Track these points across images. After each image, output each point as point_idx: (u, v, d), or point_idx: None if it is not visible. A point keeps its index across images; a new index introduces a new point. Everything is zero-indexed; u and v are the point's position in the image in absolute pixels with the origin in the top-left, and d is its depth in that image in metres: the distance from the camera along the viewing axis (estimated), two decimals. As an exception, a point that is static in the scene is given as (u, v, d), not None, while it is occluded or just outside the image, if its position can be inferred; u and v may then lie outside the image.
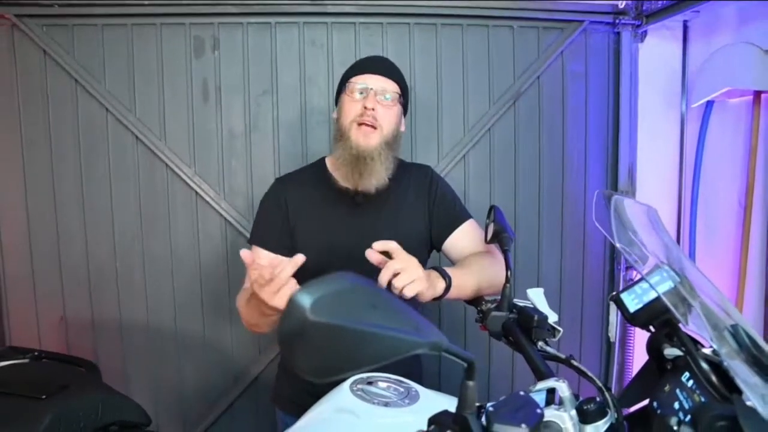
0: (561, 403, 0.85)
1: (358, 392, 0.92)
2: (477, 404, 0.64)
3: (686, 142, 2.24)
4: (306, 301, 0.40)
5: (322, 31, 2.10)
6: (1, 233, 2.00)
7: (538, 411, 0.62)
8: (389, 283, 1.06)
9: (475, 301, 1.28)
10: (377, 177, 1.33)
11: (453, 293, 1.19)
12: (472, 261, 1.30)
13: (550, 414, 0.78)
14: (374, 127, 1.32)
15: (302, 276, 1.37)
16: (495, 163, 2.22)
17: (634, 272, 2.26)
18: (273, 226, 1.38)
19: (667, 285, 0.70)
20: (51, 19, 1.94)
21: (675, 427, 0.66)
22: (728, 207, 2.01)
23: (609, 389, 0.92)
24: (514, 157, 2.23)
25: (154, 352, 2.10)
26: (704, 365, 0.68)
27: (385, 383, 0.96)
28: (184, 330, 2.10)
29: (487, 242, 1.24)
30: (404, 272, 1.04)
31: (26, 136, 1.98)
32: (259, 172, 2.11)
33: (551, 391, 0.87)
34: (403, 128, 1.44)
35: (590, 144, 2.26)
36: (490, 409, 0.62)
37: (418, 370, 1.53)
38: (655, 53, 2.23)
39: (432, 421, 0.62)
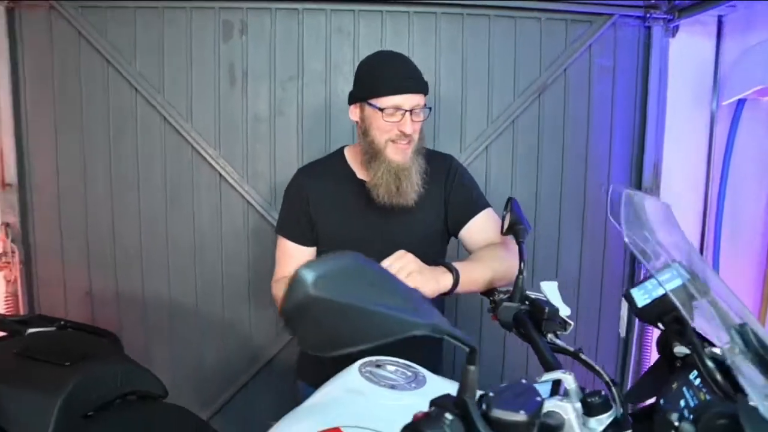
0: (566, 394, 0.86)
1: (367, 374, 0.94)
2: (480, 392, 0.65)
3: (715, 140, 2.18)
4: (309, 276, 0.42)
5: (348, 19, 2.10)
6: (33, 208, 2.08)
7: (538, 399, 0.63)
8: None
9: (490, 292, 1.29)
10: (415, 187, 1.36)
11: (463, 287, 1.20)
12: (485, 253, 1.31)
13: (553, 404, 0.78)
14: (409, 143, 1.34)
15: None
16: (518, 156, 2.21)
17: (655, 271, 2.23)
18: (296, 220, 1.43)
19: (676, 282, 0.70)
20: (86, 1, 1.99)
21: (676, 423, 0.66)
22: (756, 209, 1.96)
23: (616, 383, 0.92)
24: (538, 150, 2.21)
25: (175, 329, 2.16)
26: (710, 363, 0.68)
27: (393, 366, 0.98)
28: (204, 309, 2.16)
29: (502, 233, 1.25)
30: (398, 271, 1.08)
31: (59, 113, 2.04)
32: (282, 157, 2.14)
33: (557, 383, 0.88)
34: None
35: (615, 139, 2.22)
36: (491, 395, 0.63)
37: (437, 356, 1.55)
38: (687, 48, 2.17)
39: (433, 403, 0.64)
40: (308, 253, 1.44)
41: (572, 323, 1.09)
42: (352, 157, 1.45)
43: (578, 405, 0.80)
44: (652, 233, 0.73)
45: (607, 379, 0.92)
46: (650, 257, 0.72)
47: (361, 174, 1.41)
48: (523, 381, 0.67)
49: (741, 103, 2.02)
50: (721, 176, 2.12)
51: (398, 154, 1.32)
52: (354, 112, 1.38)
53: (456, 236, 1.47)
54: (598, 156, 2.22)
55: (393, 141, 1.32)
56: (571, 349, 1.00)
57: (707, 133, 2.21)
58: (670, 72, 2.19)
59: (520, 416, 0.60)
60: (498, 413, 0.60)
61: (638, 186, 2.24)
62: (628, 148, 2.24)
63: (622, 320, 0.84)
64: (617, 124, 2.22)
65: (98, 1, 1.99)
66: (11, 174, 2.00)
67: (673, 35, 2.17)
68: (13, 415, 1.16)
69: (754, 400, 0.56)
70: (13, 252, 2.00)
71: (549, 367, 0.97)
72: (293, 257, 1.43)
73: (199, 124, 2.09)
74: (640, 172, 2.23)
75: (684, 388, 0.75)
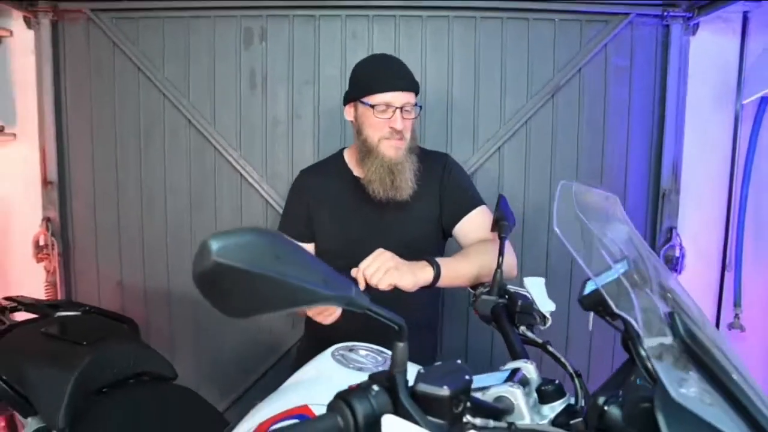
0: (523, 382, 0.89)
1: (338, 357, 1.00)
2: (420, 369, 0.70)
3: (740, 140, 2.12)
4: (214, 245, 0.48)
5: (363, 25, 2.18)
6: (72, 205, 2.25)
7: (466, 378, 0.66)
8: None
9: (477, 286, 1.32)
10: (409, 183, 1.42)
11: (446, 281, 1.24)
12: (471, 249, 1.34)
13: (504, 389, 0.82)
14: (401, 140, 1.40)
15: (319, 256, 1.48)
16: (531, 157, 2.21)
17: (675, 275, 2.18)
18: (296, 218, 1.51)
19: (612, 276, 0.72)
20: (120, 13, 2.15)
21: (603, 407, 0.68)
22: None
23: (579, 375, 0.94)
24: (551, 152, 2.21)
25: (198, 320, 2.28)
26: (643, 352, 0.69)
27: (365, 351, 1.03)
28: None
29: (492, 230, 1.28)
30: (376, 270, 1.12)
31: (95, 117, 2.21)
32: (299, 158, 2.23)
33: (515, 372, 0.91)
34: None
35: (633, 140, 2.19)
36: (421, 371, 0.67)
37: (431, 346, 1.59)
38: (709, 46, 2.12)
39: (370, 377, 0.69)
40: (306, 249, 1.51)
41: (550, 318, 1.11)
42: (350, 157, 1.52)
43: (528, 391, 0.83)
44: (599, 226, 0.75)
45: (571, 370, 0.95)
46: (593, 250, 0.74)
47: (357, 172, 1.48)
48: (458, 361, 0.71)
49: (764, 101, 1.96)
50: (743, 176, 2.06)
51: (391, 150, 1.38)
52: (349, 112, 1.46)
53: (451, 234, 1.50)
54: (615, 157, 2.20)
55: (386, 138, 1.37)
56: (540, 341, 1.03)
57: (731, 133, 2.15)
58: (690, 71, 2.14)
59: (443, 391, 0.63)
60: (422, 387, 0.64)
61: (656, 187, 2.20)
62: (646, 150, 2.20)
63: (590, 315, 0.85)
64: (634, 124, 2.18)
65: (130, 12, 2.14)
66: (53, 173, 2.17)
67: (693, 33, 2.12)
68: (35, 386, 1.29)
69: (666, 385, 0.58)
70: (52, 245, 2.18)
71: (516, 357, 1.00)
72: None
73: (222, 127, 2.21)
74: (658, 174, 2.19)
75: (639, 380, 0.76)
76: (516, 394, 0.81)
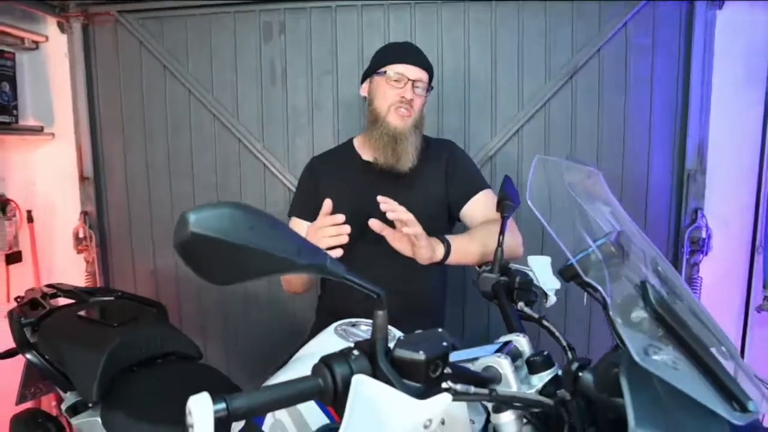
0: (517, 355, 0.92)
1: (341, 332, 1.05)
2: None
3: (770, 118, 2.04)
4: (192, 217, 0.53)
5: (379, 14, 2.20)
6: (107, 198, 2.38)
7: (444, 344, 0.69)
8: None
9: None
10: (410, 156, 1.46)
11: (454, 258, 1.27)
12: (478, 229, 1.36)
13: (492, 360, 0.85)
14: (409, 112, 1.44)
15: None
16: (550, 140, 2.20)
17: (701, 256, 2.13)
18: (306, 199, 1.57)
19: (588, 250, 0.73)
20: (146, 13, 2.25)
21: (577, 372, 0.70)
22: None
23: (572, 348, 0.96)
24: (571, 134, 2.18)
25: (226, 306, 2.38)
26: (618, 320, 0.71)
27: (366, 326, 1.07)
28: (251, 288, 2.35)
29: (497, 210, 1.30)
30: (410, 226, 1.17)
31: (126, 114, 2.33)
32: (319, 147, 2.26)
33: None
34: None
35: (655, 121, 2.14)
36: (401, 338, 0.71)
37: (434, 320, 1.61)
38: (736, 22, 2.04)
39: (355, 344, 0.73)
40: None
41: (553, 296, 1.13)
42: (359, 144, 1.56)
43: (517, 362, 0.85)
44: (582, 201, 0.77)
45: (564, 343, 0.97)
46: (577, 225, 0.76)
47: (366, 156, 1.52)
48: (440, 330, 0.75)
49: (794, 75, 1.88)
50: (772, 156, 1.99)
51: (398, 119, 1.43)
52: (364, 88, 1.54)
53: (458, 218, 1.53)
54: (637, 139, 2.15)
55: (395, 107, 1.42)
56: (536, 316, 1.05)
57: (761, 112, 2.07)
58: (716, 48, 2.07)
59: (419, 356, 0.67)
60: (399, 352, 0.68)
61: (681, 168, 2.14)
62: (670, 130, 2.15)
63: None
64: (657, 105, 2.13)
65: (155, 12, 2.24)
66: (88, 169, 2.30)
67: (720, 8, 2.05)
68: (72, 364, 1.40)
69: (630, 349, 0.60)
70: (90, 237, 2.31)
71: (511, 331, 1.02)
72: (301, 234, 1.56)
73: (245, 119, 2.29)
74: (683, 154, 2.13)
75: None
76: (503, 364, 0.84)
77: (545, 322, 1.01)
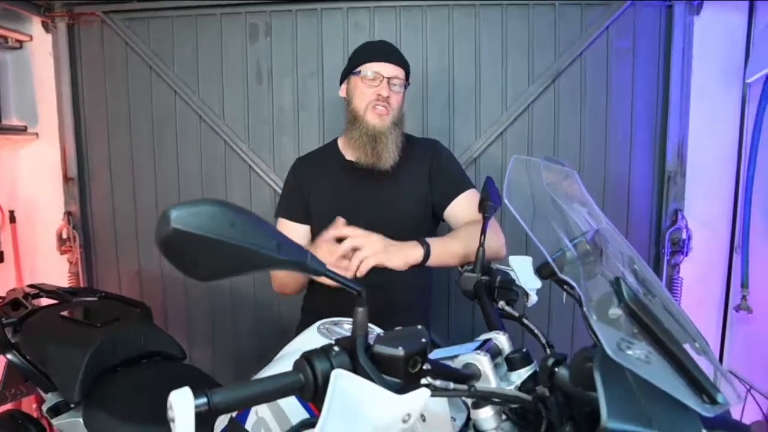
0: (497, 353, 0.93)
1: (323, 330, 1.06)
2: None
3: (747, 121, 2.09)
4: (172, 213, 0.54)
5: (365, 16, 2.22)
6: (91, 199, 2.36)
7: (423, 341, 0.71)
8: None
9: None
10: (391, 154, 1.47)
11: (435, 260, 1.28)
12: (461, 229, 1.38)
13: (471, 357, 0.86)
14: (387, 110, 1.45)
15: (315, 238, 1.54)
16: (534, 142, 2.23)
17: (681, 257, 2.17)
18: (291, 200, 1.58)
19: (564, 249, 0.75)
20: (132, 14, 2.24)
21: (553, 368, 0.72)
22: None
23: (551, 345, 0.98)
24: (554, 136, 2.21)
25: (213, 306, 2.37)
26: (593, 316, 0.73)
27: (349, 325, 1.08)
28: (237, 287, 2.35)
29: (479, 211, 1.32)
30: (360, 251, 1.16)
31: (111, 115, 2.31)
32: (306, 147, 2.27)
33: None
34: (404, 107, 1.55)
35: (637, 123, 2.18)
36: (381, 334, 0.72)
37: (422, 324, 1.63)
38: (714, 26, 2.09)
39: (336, 341, 0.74)
40: (302, 230, 1.55)
41: (534, 295, 1.14)
42: (343, 144, 1.57)
43: (497, 360, 0.87)
44: (561, 200, 0.78)
45: (543, 341, 0.99)
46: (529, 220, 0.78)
47: (349, 156, 1.53)
48: (419, 327, 0.76)
49: (769, 79, 1.93)
50: (750, 156, 2.03)
51: (376, 118, 1.45)
52: (342, 89, 1.54)
53: (442, 218, 1.54)
54: (619, 141, 2.19)
55: (372, 106, 1.44)
56: (516, 314, 1.06)
57: (738, 114, 2.12)
58: (695, 52, 2.12)
59: (398, 352, 0.68)
60: (379, 348, 0.69)
61: (662, 170, 2.19)
62: (651, 132, 2.19)
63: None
64: (638, 107, 2.18)
65: (141, 13, 2.23)
66: (72, 169, 2.29)
67: (698, 13, 2.10)
68: (53, 364, 1.39)
69: (603, 344, 0.62)
70: (74, 237, 2.29)
71: (492, 329, 1.04)
72: (288, 234, 1.57)
73: (231, 120, 2.29)
74: (663, 156, 2.18)
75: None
76: (482, 361, 0.85)
77: (525, 321, 1.03)
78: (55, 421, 1.35)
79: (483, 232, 1.20)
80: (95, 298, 1.70)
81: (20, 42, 2.22)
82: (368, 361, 0.69)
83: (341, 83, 1.56)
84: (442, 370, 0.79)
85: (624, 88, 2.17)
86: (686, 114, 2.15)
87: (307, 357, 0.69)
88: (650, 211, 2.22)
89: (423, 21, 2.20)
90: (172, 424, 0.58)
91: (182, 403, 0.59)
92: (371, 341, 0.72)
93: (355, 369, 0.69)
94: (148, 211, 2.35)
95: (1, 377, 1.61)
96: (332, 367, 0.68)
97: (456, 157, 1.65)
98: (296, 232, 1.55)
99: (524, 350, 0.89)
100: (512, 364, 0.88)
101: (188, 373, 1.51)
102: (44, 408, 1.39)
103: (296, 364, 0.69)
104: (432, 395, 0.73)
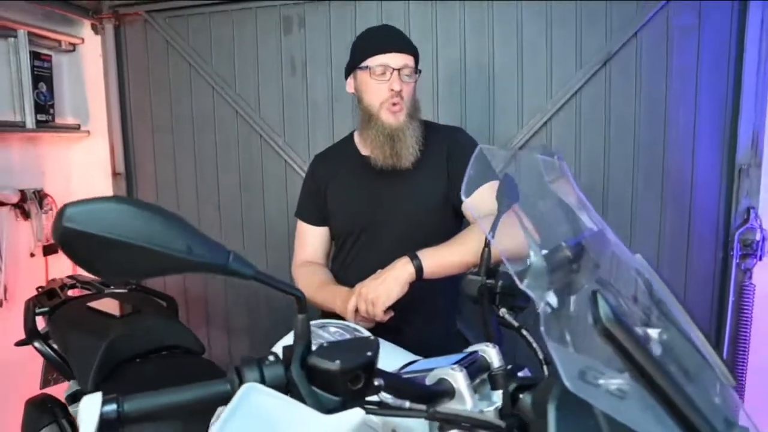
0: (484, 368, 0.83)
1: (306, 334, 1.00)
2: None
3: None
4: (67, 211, 0.50)
5: (399, 8, 2.13)
6: (138, 193, 2.46)
7: (368, 354, 0.63)
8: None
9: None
10: (411, 150, 1.38)
11: (432, 271, 1.20)
12: (460, 235, 1.28)
13: (445, 372, 0.77)
14: (400, 105, 1.37)
15: (334, 237, 1.49)
16: (582, 132, 2.04)
17: (754, 260, 1.91)
18: (309, 201, 1.55)
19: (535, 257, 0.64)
20: (172, 12, 2.30)
21: (517, 394, 0.62)
22: None
23: (549, 362, 0.87)
24: (605, 126, 2.02)
25: (253, 302, 2.40)
26: (548, 337, 0.61)
27: (335, 329, 1.02)
28: (257, 285, 2.35)
29: (495, 209, 1.21)
30: (366, 308, 1.19)
31: (154, 112, 2.39)
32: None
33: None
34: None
35: (701, 110, 1.94)
36: (324, 344, 0.65)
37: (450, 328, 1.54)
38: (798, -5, 1.81)
39: (284, 348, 0.68)
40: (319, 232, 1.52)
41: (543, 304, 1.02)
42: (359, 138, 1.50)
43: (466, 373, 0.77)
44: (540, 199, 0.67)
45: (541, 357, 0.87)
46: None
47: (365, 151, 1.46)
48: (371, 337, 0.68)
49: None
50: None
51: (391, 116, 1.36)
52: (350, 84, 1.46)
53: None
54: (680, 130, 1.96)
55: (386, 104, 1.35)
56: (516, 324, 0.95)
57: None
58: (775, 26, 1.84)
59: (334, 365, 0.61)
60: (313, 360, 0.62)
61: (732, 162, 1.93)
62: (719, 121, 1.93)
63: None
64: (703, 93, 1.93)
65: (181, 11, 2.28)
66: (120, 164, 2.39)
67: (779, -20, 1.82)
68: (73, 353, 1.44)
69: (561, 373, 0.51)
70: (122, 229, 2.39)
71: (488, 339, 0.94)
72: (306, 237, 1.54)
73: (266, 115, 2.29)
74: (734, 149, 1.91)
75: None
76: (456, 377, 0.76)
77: (524, 332, 0.92)
78: (72, 408, 1.40)
79: (492, 229, 1.09)
80: (125, 290, 1.75)
81: (73, 45, 2.34)
82: (301, 375, 0.62)
83: (346, 78, 1.47)
84: (400, 387, 0.70)
85: (687, 72, 1.93)
86: (763, 99, 1.87)
87: (239, 366, 0.64)
88: (717, 209, 1.97)
89: (460, 10, 2.08)
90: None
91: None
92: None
93: (289, 382, 0.63)
94: (190, 205, 2.41)
95: (43, 363, 1.70)
96: (263, 378, 0.62)
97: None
98: (312, 234, 1.53)
99: (509, 367, 0.79)
100: (495, 382, 0.79)
101: (202, 367, 1.52)
102: (65, 394, 1.44)
103: (228, 373, 0.64)
104: (379, 414, 0.65)
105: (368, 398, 0.65)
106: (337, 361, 0.61)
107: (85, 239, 0.51)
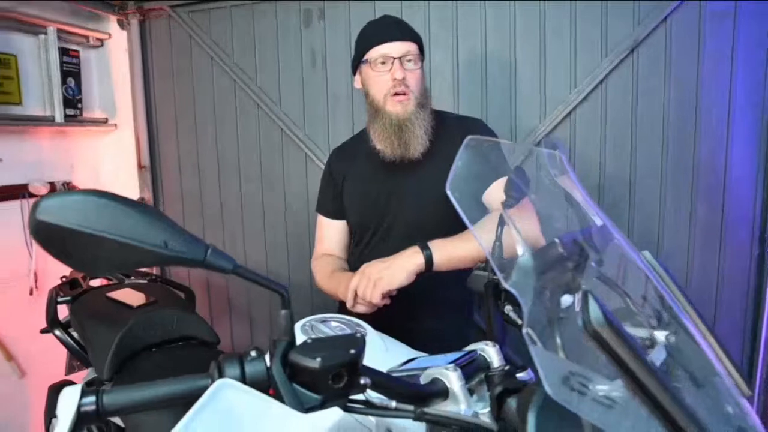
0: (483, 367, 0.80)
1: (306, 328, 0.99)
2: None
3: None
4: (41, 204, 0.50)
5: (420, 3, 2.09)
6: (162, 185, 2.51)
7: (351, 352, 0.61)
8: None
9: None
10: (420, 140, 1.37)
11: (442, 264, 1.17)
12: (479, 226, 1.23)
13: (438, 372, 0.75)
14: (406, 94, 1.34)
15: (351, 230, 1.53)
16: (608, 123, 1.97)
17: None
18: (327, 196, 1.56)
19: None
20: (195, 6, 2.32)
21: (504, 398, 0.59)
22: None
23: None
24: (632, 117, 1.94)
25: (251, 296, 2.45)
26: (531, 340, 0.58)
27: (335, 323, 1.01)
28: (295, 278, 2.36)
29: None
30: (365, 287, 1.16)
31: (178, 105, 2.43)
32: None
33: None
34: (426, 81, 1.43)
35: (737, 100, 1.84)
36: (308, 341, 0.64)
37: (464, 322, 1.52)
38: None
39: (269, 343, 0.67)
40: (337, 226, 1.53)
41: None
42: (372, 132, 1.48)
43: (461, 373, 0.74)
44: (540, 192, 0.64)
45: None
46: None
47: (378, 145, 1.44)
48: (358, 335, 0.66)
49: None
50: None
51: (397, 106, 1.34)
52: (357, 80, 1.45)
53: (477, 209, 1.40)
54: (713, 121, 1.86)
55: (391, 95, 1.33)
56: (520, 322, 0.92)
57: None
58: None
59: (314, 363, 0.59)
60: (294, 357, 0.61)
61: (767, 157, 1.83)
62: (755, 113, 1.83)
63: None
64: (738, 83, 1.83)
65: (203, 4, 2.30)
66: (145, 157, 2.44)
67: (823, -39, 1.70)
68: (91, 342, 1.47)
69: (543, 379, 0.48)
70: (147, 221, 2.44)
71: (491, 338, 0.91)
72: (325, 230, 1.55)
73: (287, 108, 2.29)
74: (771, 140, 1.81)
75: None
76: (450, 377, 0.73)
77: (528, 331, 0.88)
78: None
79: (501, 223, 1.05)
80: (145, 281, 1.78)
81: (101, 40, 2.40)
82: (281, 372, 0.61)
83: (353, 74, 1.46)
84: (388, 386, 0.68)
85: (720, 60, 1.83)
86: (805, 88, 1.77)
87: (220, 361, 0.63)
88: (752, 205, 1.87)
89: (481, 4, 2.03)
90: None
91: (67, 401, 0.56)
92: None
93: (269, 378, 0.62)
94: (212, 198, 2.44)
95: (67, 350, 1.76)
96: (243, 374, 0.62)
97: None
98: (330, 227, 1.54)
99: (507, 367, 0.76)
100: (490, 383, 0.76)
101: (214, 357, 1.53)
102: (82, 381, 1.48)
103: (210, 367, 0.64)
104: (363, 414, 0.64)
105: (354, 397, 0.64)
106: (318, 359, 0.59)
107: (58, 232, 0.51)
